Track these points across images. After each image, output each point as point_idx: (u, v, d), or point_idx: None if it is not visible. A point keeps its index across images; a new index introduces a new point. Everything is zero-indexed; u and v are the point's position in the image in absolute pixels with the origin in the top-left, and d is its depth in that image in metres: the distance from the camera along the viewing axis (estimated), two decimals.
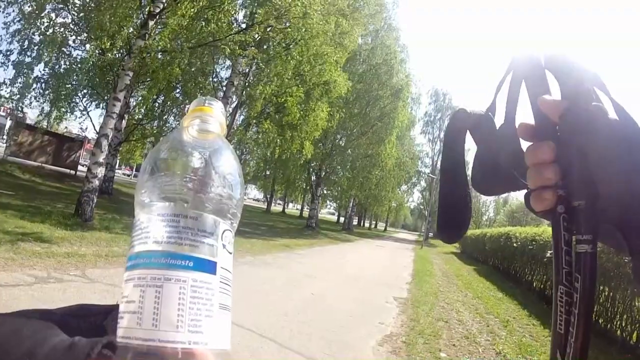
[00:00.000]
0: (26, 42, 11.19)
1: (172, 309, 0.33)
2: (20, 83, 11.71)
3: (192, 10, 10.03)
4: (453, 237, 0.57)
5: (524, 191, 0.50)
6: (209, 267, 0.36)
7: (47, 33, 11.04)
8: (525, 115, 0.48)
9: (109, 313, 0.38)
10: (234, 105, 16.22)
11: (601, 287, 6.40)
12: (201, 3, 10.35)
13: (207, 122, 0.43)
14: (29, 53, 11.38)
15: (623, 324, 5.97)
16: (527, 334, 6.29)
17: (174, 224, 0.37)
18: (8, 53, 11.36)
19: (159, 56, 11.30)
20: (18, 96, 11.97)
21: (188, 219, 0.37)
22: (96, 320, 0.38)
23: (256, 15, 12.07)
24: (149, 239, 0.36)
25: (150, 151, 0.42)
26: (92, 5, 10.77)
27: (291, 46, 12.76)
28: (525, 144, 0.47)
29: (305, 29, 12.41)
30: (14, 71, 11.53)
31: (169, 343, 0.33)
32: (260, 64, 13.42)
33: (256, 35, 12.24)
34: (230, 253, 0.40)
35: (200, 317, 0.34)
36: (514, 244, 12.27)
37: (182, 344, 0.33)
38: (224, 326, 0.37)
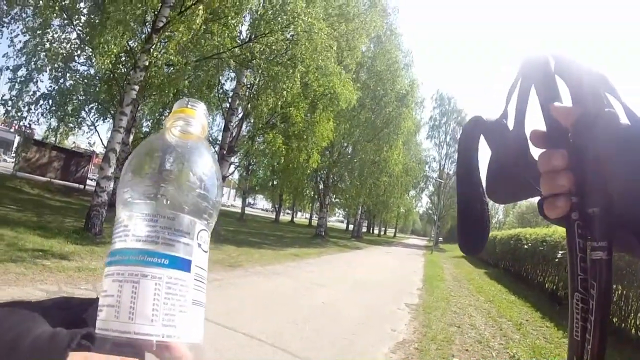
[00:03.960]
0: (30, 56, 11.29)
1: (147, 304, 0.35)
2: (23, 98, 11.81)
3: (197, 23, 10.08)
4: (476, 248, 0.56)
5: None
6: (184, 265, 0.38)
7: (52, 48, 11.17)
8: (533, 120, 0.48)
9: (90, 306, 0.40)
10: (239, 116, 16.30)
11: (614, 286, 6.35)
12: (205, 16, 10.40)
13: (189, 123, 0.44)
14: (32, 66, 11.47)
15: (637, 323, 5.91)
16: (540, 336, 6.23)
17: (152, 223, 0.38)
18: (15, 68, 11.48)
19: (165, 70, 11.37)
20: (22, 112, 12.06)
21: (166, 218, 0.39)
22: (77, 312, 0.39)
23: (261, 27, 12.12)
24: (128, 236, 0.38)
25: (134, 150, 0.43)
26: (97, 20, 10.85)
27: (297, 54, 12.76)
28: (535, 150, 0.47)
29: (310, 43, 12.45)
30: (18, 87, 11.63)
31: (143, 335, 0.35)
32: (265, 76, 13.42)
33: (260, 48, 12.29)
34: (205, 252, 0.41)
35: (174, 312, 0.36)
36: (525, 246, 12.19)
37: (157, 337, 0.35)
38: (197, 321, 0.39)
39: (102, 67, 9.22)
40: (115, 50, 8.97)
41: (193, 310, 0.38)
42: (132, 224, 0.39)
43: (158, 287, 0.36)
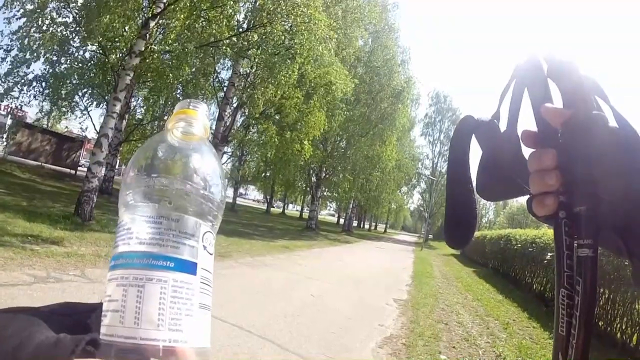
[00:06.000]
0: (26, 40, 11.16)
1: (153, 308, 0.35)
2: (13, 78, 11.71)
3: (194, 11, 10.02)
4: (461, 241, 0.57)
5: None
6: (189, 268, 0.38)
7: (48, 31, 11.06)
8: (527, 122, 0.48)
9: (93, 311, 0.39)
10: (234, 106, 16.24)
11: (601, 290, 6.40)
12: (202, 5, 10.34)
13: (191, 124, 0.43)
14: (28, 53, 11.37)
15: (623, 327, 5.97)
16: (527, 336, 6.29)
17: (157, 225, 0.38)
18: (8, 48, 11.36)
19: (165, 57, 11.31)
20: (12, 92, 11.96)
21: (170, 220, 0.38)
22: (81, 318, 0.39)
23: (260, 15, 12.05)
24: (132, 239, 0.38)
25: (135, 152, 0.43)
26: (94, 4, 10.76)
27: (295, 43, 12.68)
28: (526, 150, 0.48)
29: (309, 33, 12.40)
30: (9, 66, 11.53)
31: (149, 341, 0.34)
32: (261, 66, 13.36)
33: (258, 38, 12.22)
34: (211, 254, 0.41)
35: (181, 316, 0.36)
36: (514, 246, 12.30)
37: (163, 342, 0.34)
38: (204, 325, 0.38)
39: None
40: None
41: (200, 314, 0.38)
42: (135, 226, 0.38)
43: (164, 291, 0.36)
